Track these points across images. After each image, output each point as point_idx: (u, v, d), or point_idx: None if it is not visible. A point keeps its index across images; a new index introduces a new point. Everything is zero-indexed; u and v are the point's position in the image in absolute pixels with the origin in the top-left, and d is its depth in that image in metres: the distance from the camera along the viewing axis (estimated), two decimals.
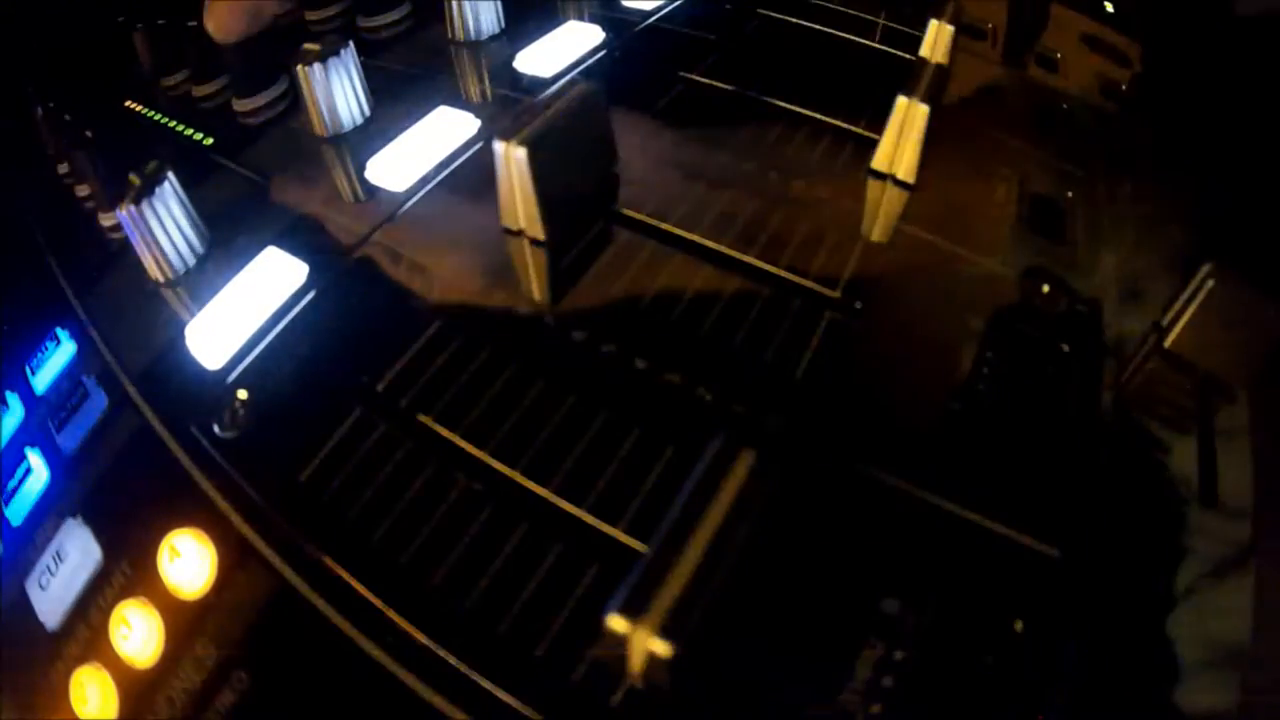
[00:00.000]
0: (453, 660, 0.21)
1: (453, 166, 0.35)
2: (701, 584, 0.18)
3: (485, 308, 0.29)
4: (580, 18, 0.45)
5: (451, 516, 0.23)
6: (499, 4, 0.44)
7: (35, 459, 0.31)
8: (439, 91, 0.40)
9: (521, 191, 0.30)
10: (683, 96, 0.39)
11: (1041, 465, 0.25)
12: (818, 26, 0.45)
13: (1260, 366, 0.28)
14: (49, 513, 0.29)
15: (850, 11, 0.46)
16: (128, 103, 0.48)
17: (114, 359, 0.31)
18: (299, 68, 0.37)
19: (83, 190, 0.41)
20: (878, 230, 0.32)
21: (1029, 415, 0.26)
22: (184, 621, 0.24)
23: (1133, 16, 0.52)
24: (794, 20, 0.45)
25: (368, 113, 0.39)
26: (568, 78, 0.35)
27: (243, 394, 0.28)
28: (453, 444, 0.25)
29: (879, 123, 0.33)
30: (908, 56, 0.42)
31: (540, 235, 0.31)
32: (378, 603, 0.22)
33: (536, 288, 0.30)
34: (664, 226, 0.31)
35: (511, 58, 0.42)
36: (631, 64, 0.42)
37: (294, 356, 0.29)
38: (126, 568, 0.26)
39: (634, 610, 0.18)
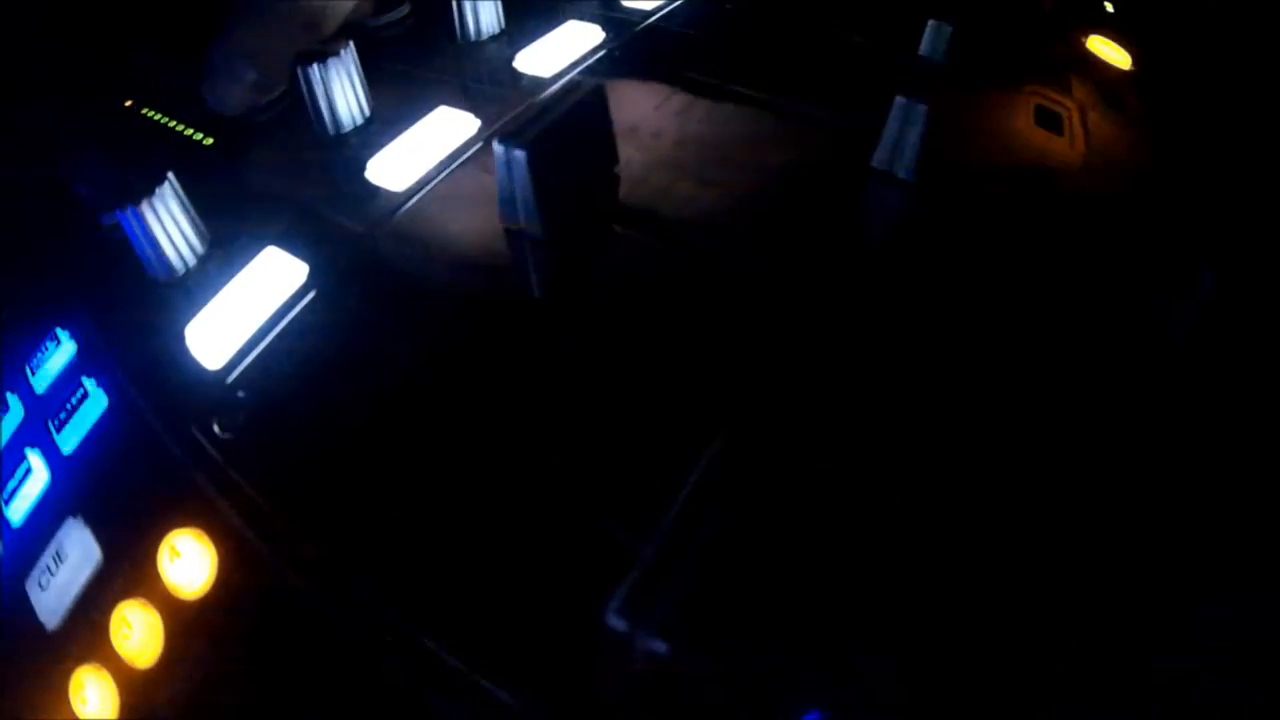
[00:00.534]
0: (453, 660, 0.21)
1: (453, 166, 0.35)
2: (701, 584, 0.18)
3: (485, 307, 0.29)
4: (580, 18, 0.45)
5: (451, 516, 0.23)
6: (499, 4, 0.44)
7: (35, 459, 0.31)
8: (439, 91, 0.40)
9: (521, 191, 0.30)
10: (683, 96, 0.39)
11: (1041, 464, 0.25)
12: (817, 26, 0.45)
13: None
14: (49, 513, 0.29)
15: (850, 11, 0.46)
16: (128, 103, 0.48)
17: (114, 359, 0.31)
18: (299, 68, 0.37)
19: (83, 190, 0.41)
20: (878, 230, 0.32)
21: (1029, 414, 0.26)
22: (184, 621, 0.24)
23: (1133, 17, 0.52)
24: (794, 20, 0.45)
25: (368, 113, 0.39)
26: (568, 78, 0.35)
27: (243, 394, 0.28)
28: (453, 444, 0.25)
29: (879, 122, 0.33)
30: (907, 56, 0.42)
31: (540, 235, 0.31)
32: (378, 603, 0.22)
33: (536, 287, 0.30)
34: (664, 226, 0.31)
35: (511, 58, 0.42)
36: (631, 64, 0.42)
37: (294, 356, 0.29)
38: (126, 568, 0.26)
39: (634, 610, 0.18)
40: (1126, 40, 0.51)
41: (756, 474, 0.20)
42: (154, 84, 0.49)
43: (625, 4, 0.47)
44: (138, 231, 0.32)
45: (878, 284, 0.30)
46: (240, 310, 0.30)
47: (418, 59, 0.44)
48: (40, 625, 0.27)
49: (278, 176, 0.38)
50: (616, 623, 0.18)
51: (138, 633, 0.24)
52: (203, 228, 0.34)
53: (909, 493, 0.23)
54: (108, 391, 0.30)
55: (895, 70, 0.42)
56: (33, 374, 0.34)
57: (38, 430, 0.31)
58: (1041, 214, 0.34)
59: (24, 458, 0.31)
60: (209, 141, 0.42)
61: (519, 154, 0.28)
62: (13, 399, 0.34)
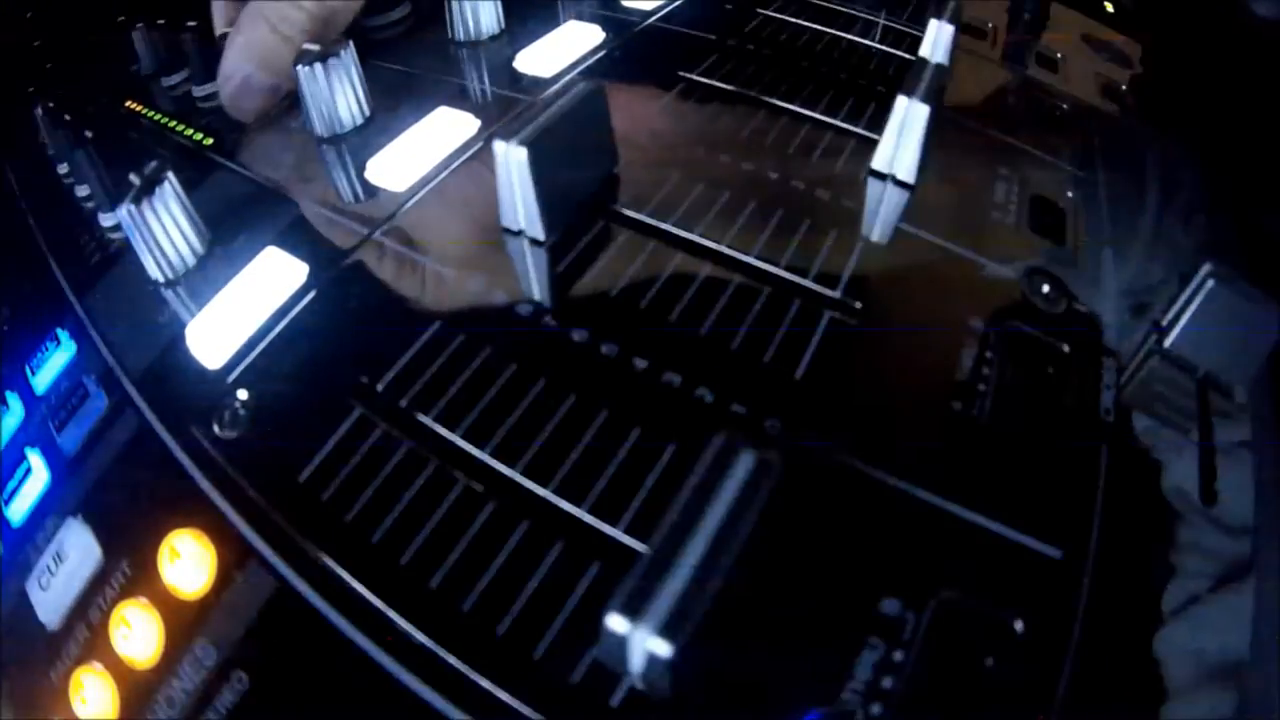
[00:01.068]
0: (453, 660, 0.21)
1: (453, 166, 0.35)
2: (701, 584, 0.18)
3: (485, 308, 0.29)
4: (580, 18, 0.45)
5: (451, 516, 0.23)
6: (499, 4, 0.44)
7: (35, 459, 0.31)
8: (439, 91, 0.40)
9: (521, 191, 0.30)
10: (683, 96, 0.39)
11: (1042, 466, 0.25)
12: (818, 26, 0.45)
13: (1259, 366, 0.28)
14: (49, 513, 0.29)
15: (850, 11, 0.47)
16: (128, 103, 0.48)
17: (114, 359, 0.31)
18: (299, 68, 0.37)
19: (83, 190, 0.41)
20: (877, 230, 0.32)
21: (1029, 416, 0.26)
22: (184, 621, 0.24)
23: (1133, 16, 0.52)
24: (794, 20, 0.45)
25: (368, 113, 0.39)
26: (568, 78, 0.35)
27: (243, 394, 0.28)
28: (453, 444, 0.25)
29: (879, 123, 0.33)
30: (908, 56, 0.42)
31: (540, 235, 0.31)
32: (378, 603, 0.22)
33: (536, 288, 0.30)
34: (664, 226, 0.31)
35: (511, 58, 0.42)
36: (631, 64, 0.42)
37: (294, 356, 0.29)
38: (126, 568, 0.26)
39: (634, 610, 0.18)
40: (1126, 40, 0.51)
41: (756, 473, 0.20)
42: (154, 84, 0.49)
43: (625, 4, 0.47)
44: (138, 231, 0.32)
45: (878, 284, 0.30)
46: (240, 310, 0.30)
47: (418, 59, 0.44)
48: (40, 625, 0.27)
49: (278, 176, 0.38)
50: (616, 623, 0.18)
51: (138, 633, 0.24)
52: (203, 228, 0.34)
53: (907, 492, 0.23)
54: (108, 391, 0.30)
55: (895, 70, 0.42)
56: (33, 374, 0.34)
57: (38, 430, 0.31)
58: (1039, 214, 0.34)
59: (24, 458, 0.31)
60: (209, 141, 0.42)
61: (519, 154, 0.28)
62: (13, 399, 0.34)
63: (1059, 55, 0.48)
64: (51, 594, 0.27)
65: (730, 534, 0.19)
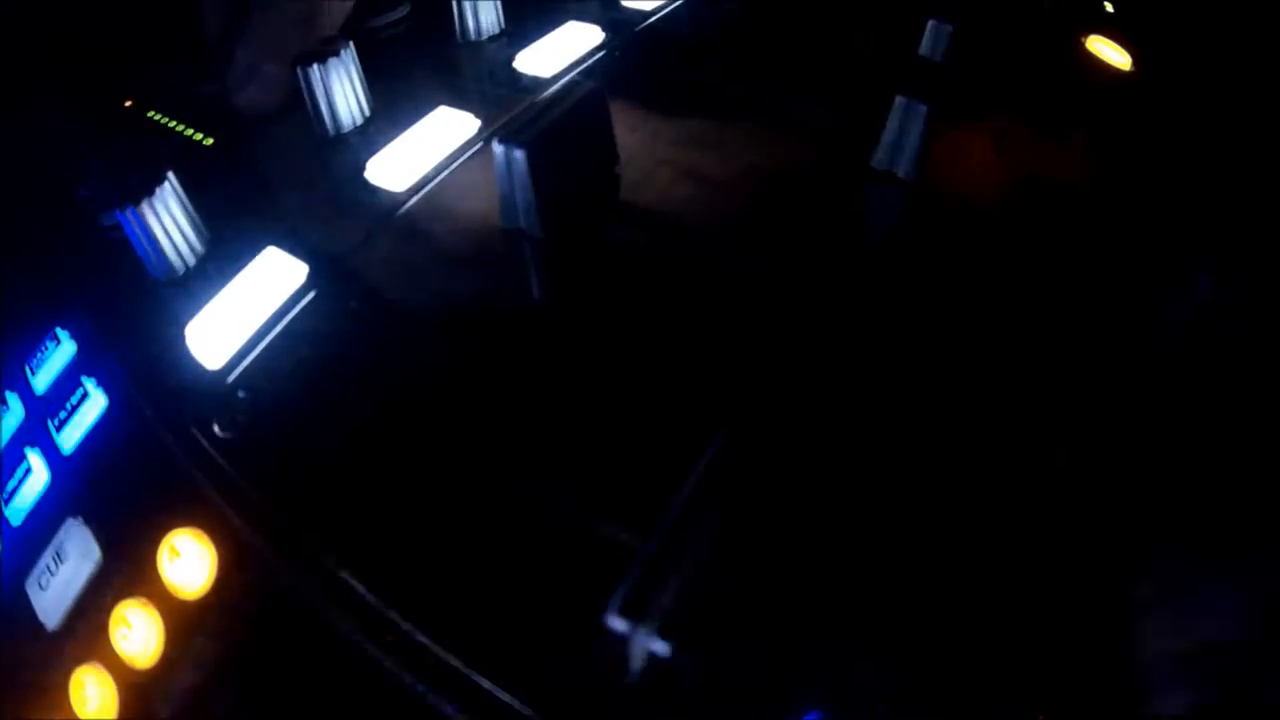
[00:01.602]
0: (453, 660, 0.21)
1: (453, 166, 0.35)
2: (701, 583, 0.18)
3: (485, 308, 0.29)
4: (580, 18, 0.45)
5: (451, 516, 0.23)
6: (499, 4, 0.44)
7: (35, 459, 0.31)
8: (439, 91, 0.40)
9: (521, 191, 0.30)
10: (683, 96, 0.39)
11: (1042, 469, 0.25)
12: (817, 27, 0.45)
13: None
14: (49, 513, 0.29)
15: (850, 12, 0.46)
16: (128, 103, 0.48)
17: (114, 359, 0.31)
18: (299, 68, 0.37)
19: (83, 190, 0.41)
20: (877, 230, 0.32)
21: (1029, 416, 0.26)
22: (184, 621, 0.24)
23: (1133, 17, 0.52)
24: (794, 20, 0.45)
25: (368, 113, 0.39)
26: (568, 78, 0.35)
27: (243, 394, 0.28)
28: (452, 443, 0.25)
29: (879, 123, 0.33)
30: (907, 56, 0.42)
31: (540, 235, 0.31)
32: (378, 603, 0.22)
33: (536, 287, 0.30)
34: (664, 226, 0.31)
35: (511, 58, 0.42)
36: (631, 64, 0.42)
37: (294, 356, 0.29)
38: (126, 568, 0.26)
39: (634, 610, 0.18)
40: (1126, 40, 0.51)
41: (757, 474, 0.20)
42: (154, 85, 0.49)
43: (625, 4, 0.47)
44: (138, 231, 0.32)
45: (877, 284, 0.30)
46: (240, 310, 0.30)
47: (418, 59, 0.44)
48: (40, 625, 0.27)
49: (278, 176, 0.38)
50: (616, 623, 0.18)
51: (138, 633, 0.24)
52: (203, 228, 0.34)
53: (907, 491, 0.23)
54: (108, 391, 0.30)
55: (895, 70, 0.42)
56: (33, 374, 0.34)
57: (38, 430, 0.31)
58: (1040, 214, 0.34)
59: (24, 458, 0.31)
60: (209, 141, 0.42)
61: (519, 154, 0.28)
62: (13, 399, 0.34)
63: (1059, 55, 0.48)
64: (51, 594, 0.27)
65: (729, 533, 0.19)
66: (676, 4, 0.47)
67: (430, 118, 0.38)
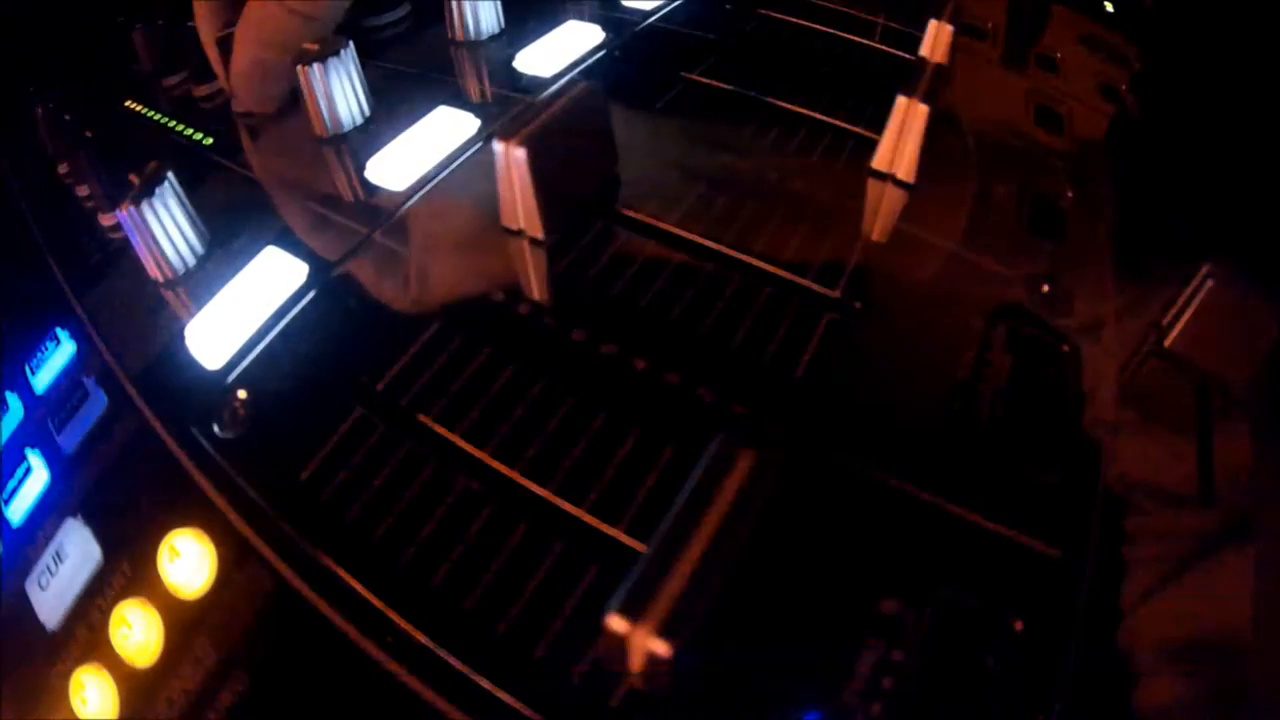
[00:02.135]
0: (453, 660, 0.21)
1: (453, 166, 0.35)
2: (701, 584, 0.18)
3: (485, 308, 0.29)
4: (580, 18, 0.45)
5: (451, 516, 0.23)
6: (499, 4, 0.44)
7: (35, 459, 0.31)
8: (439, 91, 0.40)
9: (521, 191, 0.30)
10: (683, 96, 0.39)
11: (1042, 465, 0.25)
12: (818, 26, 0.45)
13: (1259, 366, 0.28)
14: (49, 513, 0.29)
15: (850, 11, 0.47)
16: (128, 103, 0.48)
17: (114, 359, 0.31)
18: (299, 67, 0.37)
19: (83, 190, 0.41)
20: (877, 230, 0.32)
21: (1029, 415, 0.26)
22: (184, 621, 0.24)
23: (1133, 16, 0.52)
24: (794, 20, 0.45)
25: (368, 113, 0.39)
26: (568, 78, 0.35)
27: (243, 394, 0.28)
28: (453, 444, 0.25)
29: (879, 123, 0.33)
30: (908, 56, 0.42)
31: (540, 235, 0.31)
32: (378, 603, 0.22)
33: (536, 288, 0.30)
34: (664, 226, 0.31)
35: (511, 58, 0.42)
36: (631, 64, 0.42)
37: (294, 356, 0.29)
38: (126, 568, 0.26)
39: (634, 610, 0.18)
40: (1126, 40, 0.51)
41: (756, 473, 0.20)
42: (154, 84, 0.49)
43: (625, 4, 0.47)
44: (138, 231, 0.32)
45: (878, 284, 0.30)
46: (240, 310, 0.30)
47: (418, 59, 0.44)
48: (40, 625, 0.27)
49: (278, 176, 0.38)
50: (616, 623, 0.18)
51: (138, 633, 0.24)
52: (203, 228, 0.34)
53: (907, 491, 0.23)
54: (108, 391, 0.30)
55: (895, 70, 0.42)
56: (33, 374, 0.34)
57: (38, 430, 0.31)
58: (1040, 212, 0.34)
59: (24, 458, 0.31)
60: (209, 141, 0.42)
61: (519, 153, 0.28)
62: (13, 399, 0.34)
63: (1059, 55, 0.48)
64: (51, 594, 0.27)
65: (730, 534, 0.19)
66: (676, 4, 0.47)
67: (430, 118, 0.38)
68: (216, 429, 0.27)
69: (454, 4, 0.43)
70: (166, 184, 0.32)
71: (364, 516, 0.24)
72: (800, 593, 0.22)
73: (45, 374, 0.33)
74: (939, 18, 0.37)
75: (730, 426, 0.25)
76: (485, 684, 0.20)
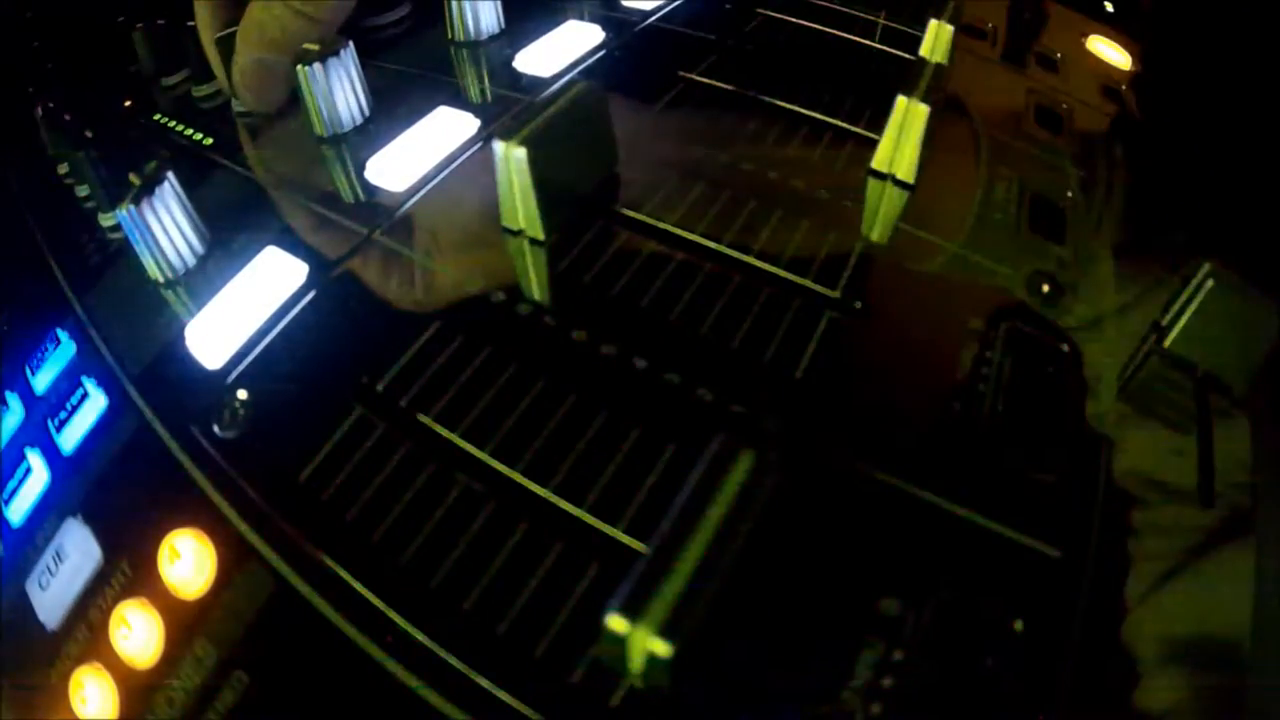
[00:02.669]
0: (453, 660, 0.21)
1: (453, 166, 0.35)
2: (701, 584, 0.18)
3: (485, 308, 0.29)
4: (580, 18, 0.45)
5: (451, 516, 0.23)
6: (499, 4, 0.44)
7: (35, 459, 0.31)
8: (439, 91, 0.40)
9: (521, 191, 0.30)
10: (683, 96, 0.39)
11: (1042, 465, 0.25)
12: (818, 26, 0.45)
13: (1260, 366, 0.28)
14: (49, 513, 0.29)
15: (850, 11, 0.47)
16: (128, 103, 0.48)
17: (114, 359, 0.31)
18: (298, 67, 0.37)
19: (83, 190, 0.41)
20: (877, 230, 0.32)
21: (1029, 415, 0.26)
22: (184, 621, 0.24)
23: (1133, 16, 0.52)
24: (794, 20, 0.45)
25: (368, 113, 0.39)
26: (568, 78, 0.35)
27: (243, 394, 0.28)
28: (453, 444, 0.25)
29: (879, 123, 0.33)
30: (908, 56, 0.42)
31: (540, 235, 0.31)
32: (378, 603, 0.22)
33: (536, 288, 0.30)
34: (664, 226, 0.31)
35: (511, 58, 0.42)
36: (631, 64, 0.42)
37: (294, 356, 0.29)
38: (126, 568, 0.26)
39: (634, 610, 0.18)
40: (1126, 40, 0.51)
41: (756, 473, 0.20)
42: (154, 84, 0.49)
43: (625, 4, 0.47)
44: (138, 231, 0.32)
45: (878, 283, 0.30)
46: (240, 310, 0.30)
47: (418, 59, 0.44)
48: (40, 625, 0.27)
49: (278, 176, 0.38)
50: (616, 623, 0.18)
51: (138, 633, 0.24)
52: (203, 228, 0.34)
53: (910, 491, 0.23)
54: (108, 391, 0.30)
55: (895, 70, 0.42)
56: (33, 374, 0.34)
57: (38, 430, 0.32)
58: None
59: (24, 458, 0.31)
60: (209, 141, 0.42)
61: (518, 153, 0.28)
62: (13, 399, 0.34)
63: (1059, 55, 0.48)
64: (51, 594, 0.27)
65: (730, 534, 0.19)
66: (676, 4, 0.47)
67: (430, 118, 0.38)
68: (216, 429, 0.27)
69: (454, 4, 0.43)
70: (166, 184, 0.32)
71: (364, 516, 0.24)
72: (800, 592, 0.22)
73: (45, 374, 0.33)
74: (939, 18, 0.37)
75: (730, 426, 0.25)
76: (485, 684, 0.20)
